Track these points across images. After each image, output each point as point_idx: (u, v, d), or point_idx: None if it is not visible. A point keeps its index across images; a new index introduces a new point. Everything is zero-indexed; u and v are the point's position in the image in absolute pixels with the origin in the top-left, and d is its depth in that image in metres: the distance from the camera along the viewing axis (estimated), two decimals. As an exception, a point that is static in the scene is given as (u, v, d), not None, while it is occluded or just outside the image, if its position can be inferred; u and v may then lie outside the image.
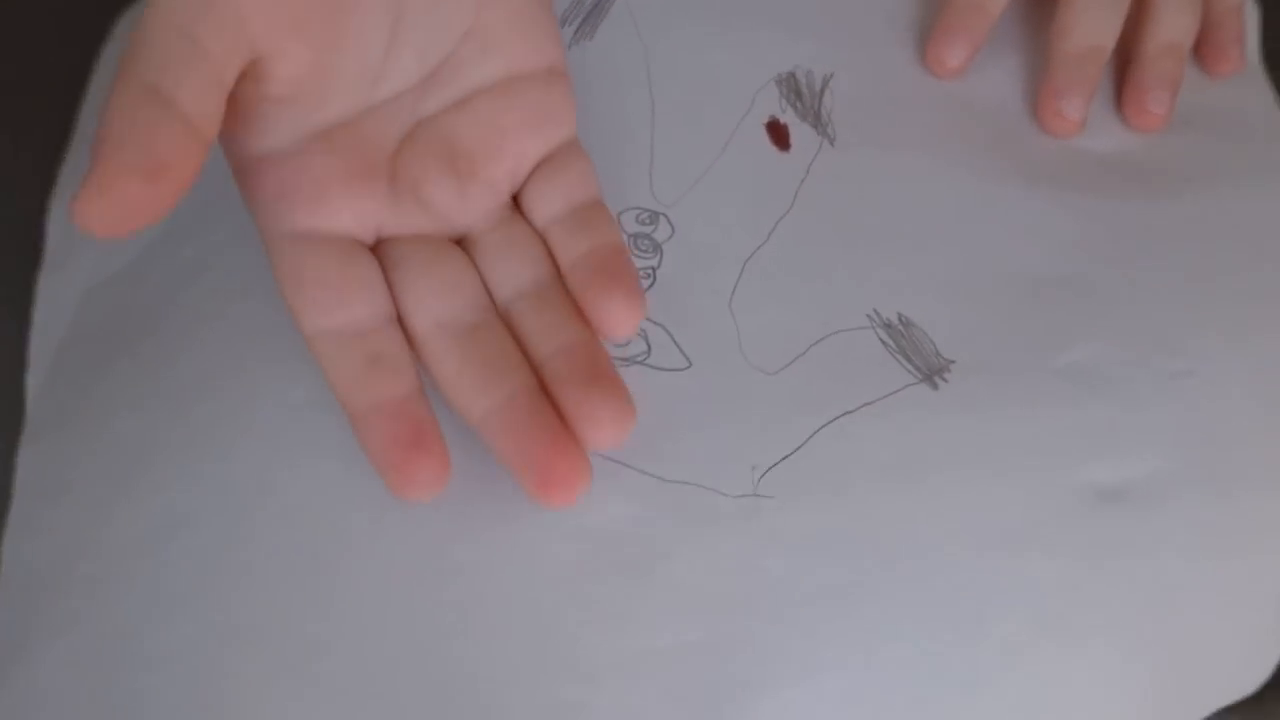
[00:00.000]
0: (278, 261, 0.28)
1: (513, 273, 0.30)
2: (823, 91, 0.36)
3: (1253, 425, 0.32)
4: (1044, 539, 0.30)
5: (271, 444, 0.30)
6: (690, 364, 0.31)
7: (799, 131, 0.35)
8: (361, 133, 0.29)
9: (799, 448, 0.30)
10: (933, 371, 0.32)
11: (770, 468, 0.30)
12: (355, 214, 0.29)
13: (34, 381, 0.34)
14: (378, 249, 0.30)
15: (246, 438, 0.30)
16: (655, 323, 0.32)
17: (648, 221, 0.33)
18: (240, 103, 0.27)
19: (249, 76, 0.27)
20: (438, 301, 0.29)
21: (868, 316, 0.32)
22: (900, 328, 0.32)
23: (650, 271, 0.32)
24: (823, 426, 0.31)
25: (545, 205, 0.31)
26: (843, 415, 0.31)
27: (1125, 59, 0.38)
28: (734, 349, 0.31)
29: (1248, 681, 0.32)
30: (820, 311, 0.32)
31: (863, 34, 0.38)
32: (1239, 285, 0.34)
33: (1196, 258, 0.34)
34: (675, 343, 0.31)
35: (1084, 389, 0.32)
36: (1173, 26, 0.37)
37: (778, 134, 0.35)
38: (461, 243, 0.31)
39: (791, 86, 0.36)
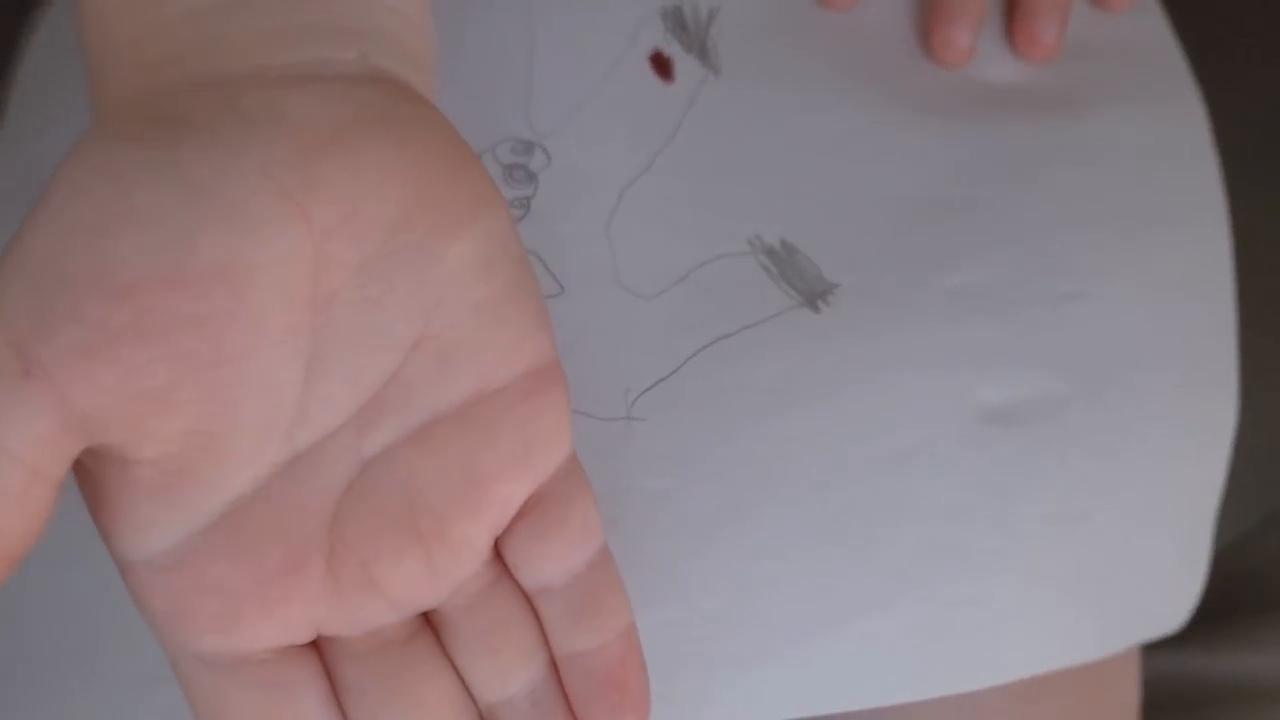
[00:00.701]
0: (189, 689, 0.23)
1: (501, 674, 0.25)
2: (709, 24, 0.36)
3: (1144, 344, 0.32)
4: (933, 460, 0.29)
5: None
6: (563, 290, 0.30)
7: (684, 64, 0.35)
8: (283, 502, 0.23)
9: (675, 371, 0.30)
10: (815, 295, 0.31)
11: (644, 391, 0.29)
12: (280, 626, 0.23)
13: None
14: (322, 650, 0.24)
15: None
16: (529, 250, 0.31)
17: (523, 152, 0.32)
18: (104, 494, 0.22)
19: (107, 461, 0.22)
20: None
21: (748, 242, 0.32)
22: (782, 253, 0.32)
23: (524, 201, 0.32)
24: (700, 350, 0.30)
25: (537, 570, 0.25)
26: (721, 338, 0.30)
27: None
28: (609, 275, 0.31)
29: (1170, 616, 0.31)
30: (700, 237, 0.32)
31: None
32: (1126, 207, 0.34)
33: (1085, 181, 0.34)
34: (548, 269, 0.31)
35: (972, 310, 0.31)
36: None
37: (661, 66, 0.35)
38: (430, 619, 0.25)
39: (677, 19, 0.35)
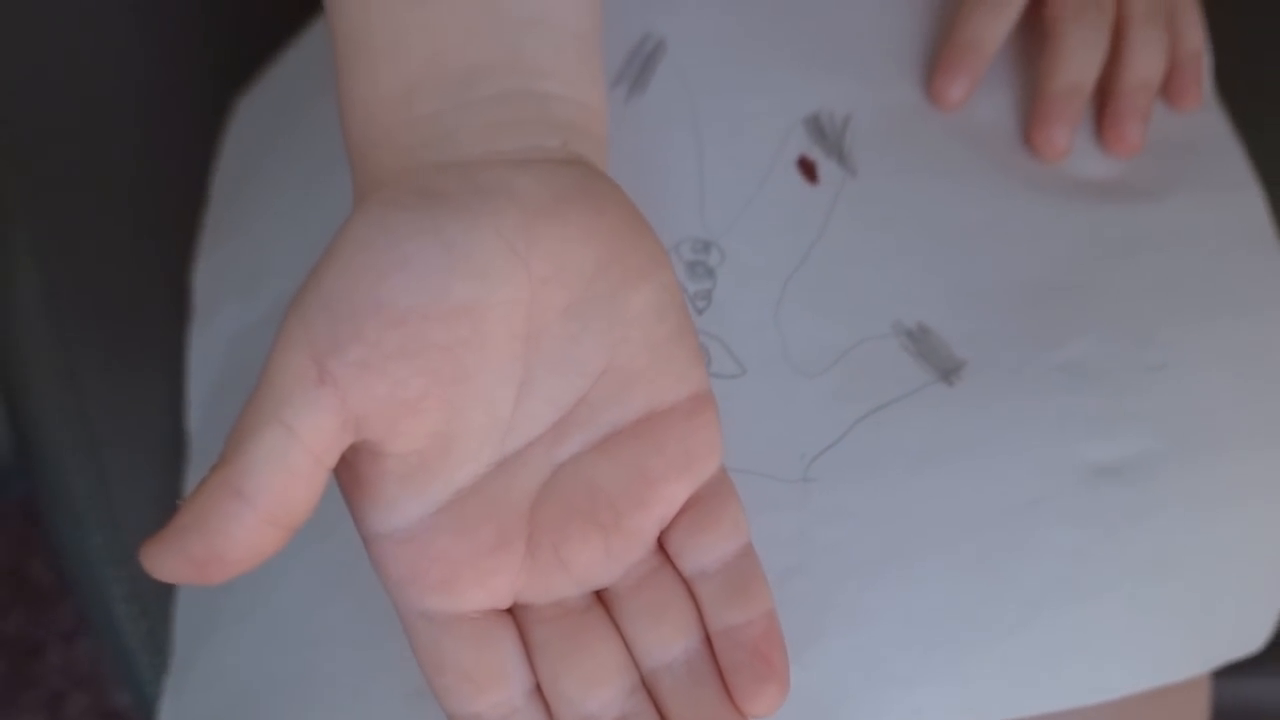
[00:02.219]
0: (414, 639, 0.29)
1: (662, 642, 0.29)
2: (844, 130, 0.42)
3: (1224, 401, 0.38)
4: (1053, 510, 0.35)
5: None
6: (744, 371, 0.36)
7: (825, 166, 0.41)
8: (494, 494, 0.28)
9: (841, 438, 0.36)
10: (948, 371, 0.37)
11: (817, 455, 0.35)
12: (489, 592, 0.29)
13: (195, 420, 0.39)
14: (516, 614, 0.30)
15: None
16: (713, 336, 0.37)
17: (701, 250, 0.38)
18: (360, 479, 0.27)
19: (365, 453, 0.27)
20: (583, 694, 0.29)
21: (891, 325, 0.38)
22: (919, 334, 0.38)
23: (706, 294, 0.38)
24: (860, 419, 0.36)
25: (695, 557, 0.30)
26: (876, 410, 0.36)
27: (1104, 94, 0.43)
28: (780, 357, 0.37)
29: (1251, 638, 0.37)
30: (851, 322, 0.38)
31: (875, 74, 0.43)
32: (1199, 281, 0.40)
33: (1165, 263, 0.40)
34: (731, 353, 0.37)
35: (1079, 380, 0.37)
36: (1144, 68, 0.42)
37: (808, 169, 0.41)
38: (602, 597, 0.30)
39: (816, 127, 0.41)
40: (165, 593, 0.40)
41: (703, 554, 0.30)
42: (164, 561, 0.25)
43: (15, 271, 0.46)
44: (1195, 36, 0.45)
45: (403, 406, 0.27)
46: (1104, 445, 0.36)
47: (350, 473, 0.28)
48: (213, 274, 0.43)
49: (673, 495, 0.30)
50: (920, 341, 0.38)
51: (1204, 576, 0.36)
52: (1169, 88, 0.44)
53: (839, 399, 0.36)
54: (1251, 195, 0.42)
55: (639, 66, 0.41)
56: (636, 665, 0.30)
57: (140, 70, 0.49)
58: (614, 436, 0.30)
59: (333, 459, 0.26)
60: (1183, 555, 0.36)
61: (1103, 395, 0.37)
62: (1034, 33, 0.44)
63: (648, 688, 0.29)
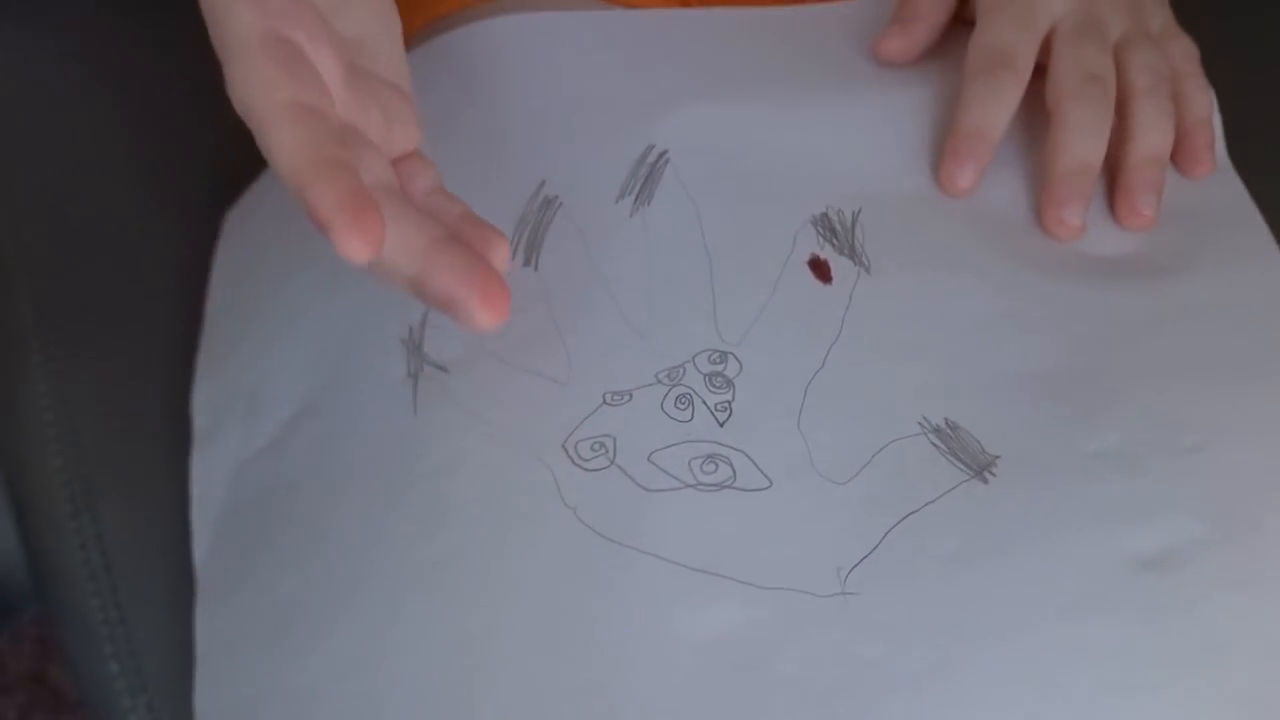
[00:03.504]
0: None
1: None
2: (854, 225, 0.41)
3: (1263, 478, 0.37)
4: (1098, 606, 0.34)
5: (406, 590, 0.35)
6: (771, 483, 0.36)
7: (838, 264, 0.40)
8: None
9: (875, 547, 0.35)
10: (981, 468, 0.36)
11: (853, 567, 0.34)
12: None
13: (199, 551, 0.39)
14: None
15: (384, 588, 0.35)
16: (737, 449, 0.36)
17: (719, 361, 0.38)
18: None
19: None
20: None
21: (918, 424, 0.37)
22: (948, 431, 0.37)
23: (726, 405, 0.37)
24: (893, 526, 0.35)
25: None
26: (909, 515, 0.35)
27: (1113, 169, 0.43)
28: (807, 465, 0.36)
29: None
30: (877, 423, 0.37)
31: (882, 168, 0.43)
32: (1228, 356, 0.39)
33: (1190, 340, 0.39)
34: (756, 465, 0.36)
35: (1114, 470, 0.37)
36: (1151, 141, 0.42)
37: (820, 269, 0.40)
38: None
39: (826, 225, 0.41)
40: (185, 714, 0.39)
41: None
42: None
43: (29, 393, 0.46)
44: (1202, 102, 0.44)
45: None
46: (1144, 535, 0.35)
47: None
48: (212, 397, 0.43)
49: None
50: (950, 439, 0.37)
51: (1255, 663, 0.34)
52: (1179, 156, 0.44)
53: (871, 506, 0.35)
54: (1274, 261, 0.42)
55: (644, 179, 0.41)
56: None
57: (140, 184, 0.50)
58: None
59: None
60: (1232, 643, 0.34)
61: (1139, 483, 0.36)
62: (1038, 114, 0.43)
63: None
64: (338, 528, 0.36)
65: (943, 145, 0.42)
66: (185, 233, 0.48)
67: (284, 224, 0.43)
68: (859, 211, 0.41)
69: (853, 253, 0.41)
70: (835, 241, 0.41)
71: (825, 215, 0.41)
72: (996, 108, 0.42)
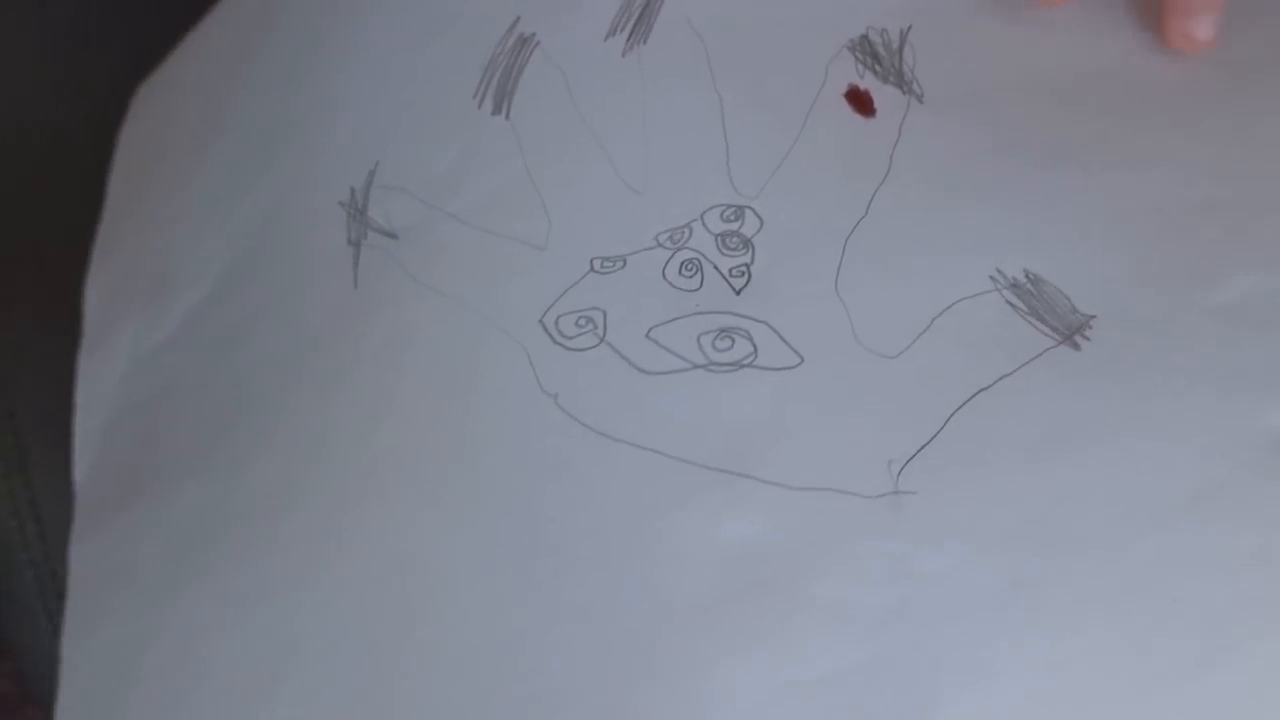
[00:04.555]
0: None
1: None
2: (901, 47, 0.33)
3: None
4: (1231, 502, 0.27)
5: (343, 498, 0.28)
6: (802, 359, 0.28)
7: (883, 95, 0.32)
8: None
9: (936, 434, 0.27)
10: (1072, 331, 0.29)
11: (908, 460, 0.27)
12: None
13: (80, 468, 0.32)
14: None
15: (318, 494, 0.28)
16: (758, 320, 0.29)
17: (733, 218, 0.30)
18: None
19: None
20: None
21: (991, 279, 0.29)
22: (1029, 286, 0.29)
23: (744, 269, 0.30)
24: (959, 408, 0.28)
25: None
26: (979, 393, 0.28)
27: None
28: (847, 336, 0.29)
29: None
30: (937, 281, 0.29)
31: None
32: None
33: None
34: (782, 339, 0.29)
35: (1246, 327, 0.29)
36: None
37: (860, 101, 0.32)
38: None
39: (866, 50, 0.33)
40: None
41: None
42: None
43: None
44: None
45: None
46: (1289, 406, 0.28)
47: None
48: (108, 288, 0.35)
49: None
50: (1032, 296, 0.29)
51: None
52: None
53: (930, 383, 0.28)
54: None
55: (638, 12, 0.34)
56: None
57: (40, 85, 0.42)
58: None
59: None
60: None
61: (1277, 342, 0.28)
62: None
63: None
64: (254, 425, 0.30)
65: None
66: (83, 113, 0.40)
67: (202, 89, 0.37)
68: (907, 30, 0.34)
69: (900, 80, 0.33)
70: (879, 68, 0.33)
71: (865, 38, 0.33)
72: None
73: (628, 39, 0.33)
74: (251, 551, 0.28)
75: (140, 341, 0.33)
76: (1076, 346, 0.29)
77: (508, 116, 0.32)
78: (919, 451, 0.27)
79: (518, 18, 0.33)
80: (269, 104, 0.34)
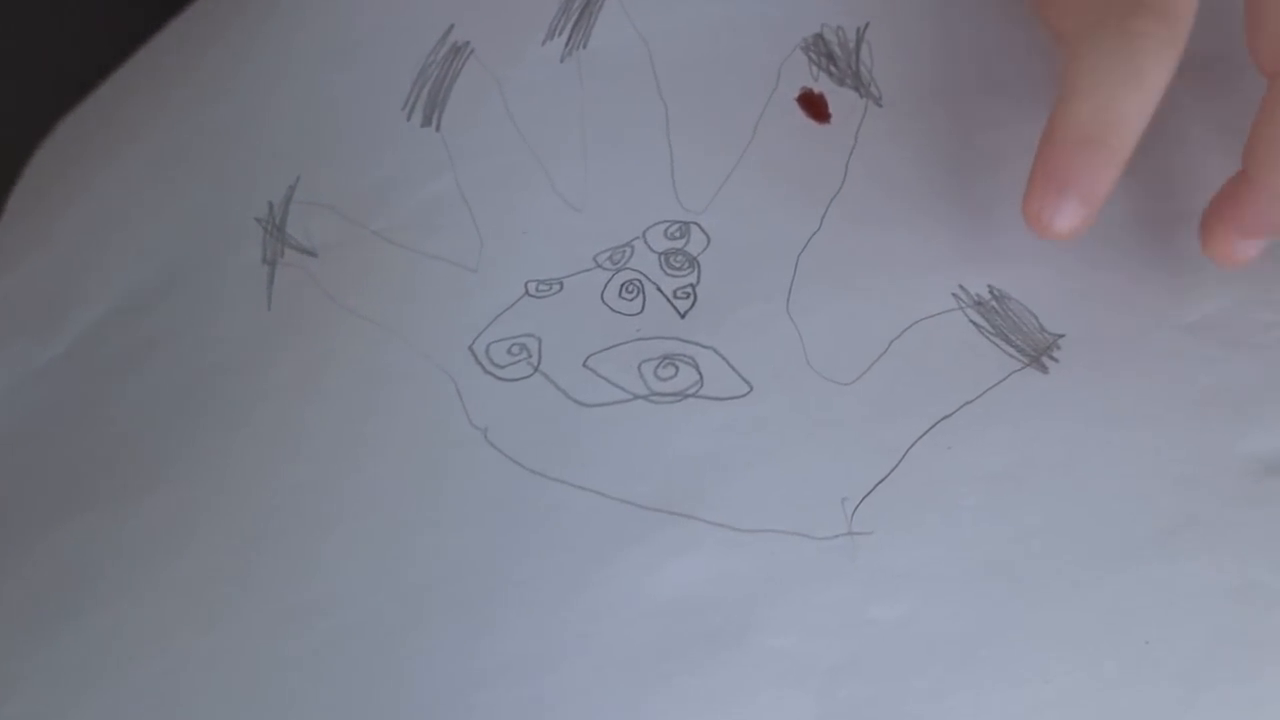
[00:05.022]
0: None
1: None
2: (859, 46, 0.31)
3: None
4: (1208, 534, 0.25)
5: (241, 539, 0.26)
6: (751, 388, 0.27)
7: (838, 98, 0.31)
8: None
9: (894, 468, 0.26)
10: (1039, 351, 0.27)
11: (864, 498, 0.25)
12: None
13: None
14: None
15: (213, 534, 0.26)
16: (704, 345, 0.27)
17: (678, 234, 0.28)
18: None
19: None
20: None
21: (953, 296, 0.28)
22: (994, 303, 0.28)
23: (689, 290, 0.28)
24: (918, 439, 0.26)
25: None
26: (940, 421, 0.26)
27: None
28: (799, 362, 0.27)
29: None
30: (895, 300, 0.28)
31: None
32: None
33: None
34: (730, 365, 0.27)
35: (1220, 345, 0.27)
36: None
37: (813, 106, 0.30)
38: None
39: (821, 49, 0.31)
40: None
41: None
42: None
43: None
44: None
45: None
46: (1266, 431, 0.26)
47: None
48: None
49: None
50: (997, 314, 0.27)
51: None
52: None
53: (888, 411, 0.26)
54: None
55: (577, 13, 0.32)
56: None
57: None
58: None
59: None
60: None
61: (1256, 361, 0.27)
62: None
63: None
64: (147, 456, 0.27)
65: (1038, 157, 0.26)
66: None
67: (121, 110, 0.34)
68: (864, 28, 0.32)
69: (857, 81, 0.31)
70: (834, 69, 0.31)
71: (820, 36, 0.31)
72: (1135, 85, 0.25)
73: (566, 42, 0.31)
74: (136, 594, 0.26)
75: (25, 359, 0.31)
76: (1044, 368, 0.27)
77: (438, 128, 0.30)
78: (875, 488, 0.25)
79: (451, 25, 0.31)
80: (189, 118, 0.32)
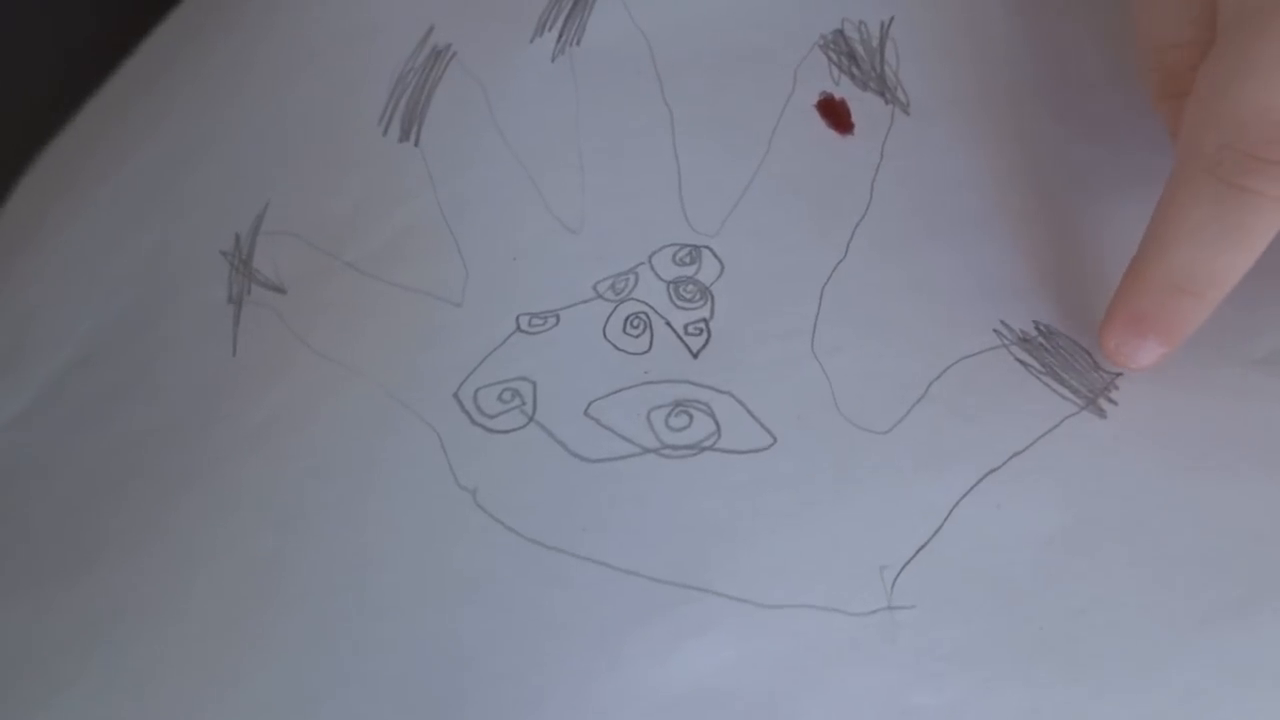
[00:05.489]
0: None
1: None
2: (883, 44, 0.28)
3: None
4: None
5: (214, 614, 0.23)
6: (775, 439, 0.24)
7: (861, 104, 0.28)
8: None
9: (936, 531, 0.23)
10: (1095, 393, 0.24)
11: (904, 566, 0.22)
12: None
13: None
14: None
15: (178, 610, 0.23)
16: (720, 390, 0.24)
17: (688, 260, 0.25)
18: None
19: None
20: None
21: (995, 332, 0.25)
22: (1041, 340, 0.25)
23: (702, 326, 0.25)
24: (963, 496, 0.23)
25: None
26: (987, 475, 0.23)
27: None
28: (828, 408, 0.24)
29: None
30: (932, 337, 0.25)
31: None
32: None
33: None
34: (750, 413, 0.24)
35: None
36: None
37: (835, 114, 0.27)
38: None
39: (842, 48, 0.28)
40: None
41: None
42: None
43: None
44: None
45: None
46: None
47: None
48: None
49: None
50: (1045, 351, 0.25)
51: None
52: None
53: (927, 465, 0.23)
54: None
55: (569, 5, 0.28)
56: None
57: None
58: None
59: None
60: None
61: None
62: None
63: None
64: (108, 524, 0.24)
65: (1116, 297, 0.24)
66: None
67: (89, 142, 0.31)
68: (889, 22, 0.29)
69: (882, 85, 0.28)
70: (856, 71, 0.28)
71: (841, 33, 0.28)
72: (1236, 244, 0.23)
73: (558, 39, 0.28)
74: (89, 679, 0.23)
75: None
76: (1101, 412, 0.24)
77: (417, 144, 0.27)
78: (916, 554, 0.22)
79: (431, 27, 0.28)
80: (156, 146, 0.29)
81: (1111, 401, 0.24)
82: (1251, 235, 0.22)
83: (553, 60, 0.28)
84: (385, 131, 0.27)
